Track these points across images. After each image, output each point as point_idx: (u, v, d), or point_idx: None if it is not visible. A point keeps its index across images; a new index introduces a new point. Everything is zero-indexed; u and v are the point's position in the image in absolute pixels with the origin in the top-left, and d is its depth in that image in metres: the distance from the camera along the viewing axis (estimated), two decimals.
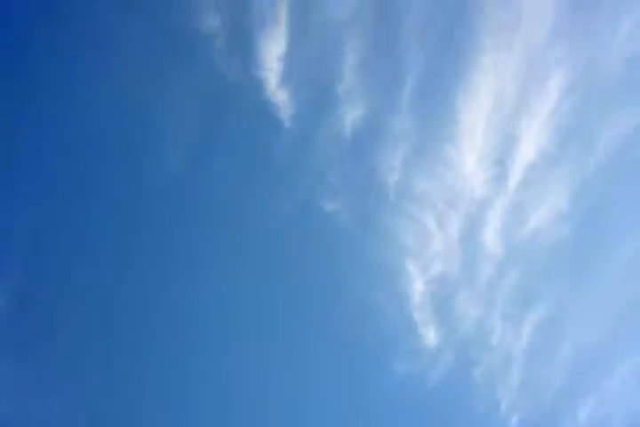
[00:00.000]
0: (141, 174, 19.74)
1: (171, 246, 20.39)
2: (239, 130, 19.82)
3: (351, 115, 19.39)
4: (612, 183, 20.20)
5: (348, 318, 21.55)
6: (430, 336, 21.00)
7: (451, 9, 18.58)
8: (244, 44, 18.63)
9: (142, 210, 19.94)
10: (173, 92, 19.00)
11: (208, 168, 20.09)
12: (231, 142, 19.95)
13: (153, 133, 19.27)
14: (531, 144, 19.48)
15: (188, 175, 19.97)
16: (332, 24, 18.71)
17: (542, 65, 18.92)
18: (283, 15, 18.30)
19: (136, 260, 20.36)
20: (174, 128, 19.25)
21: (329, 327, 21.52)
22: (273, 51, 18.60)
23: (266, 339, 20.78)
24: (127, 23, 18.56)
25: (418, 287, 20.72)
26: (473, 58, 18.78)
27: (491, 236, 20.39)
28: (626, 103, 19.29)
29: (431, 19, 18.65)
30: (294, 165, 20.32)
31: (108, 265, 20.08)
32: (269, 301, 20.95)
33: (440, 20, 18.69)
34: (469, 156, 19.51)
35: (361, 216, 20.78)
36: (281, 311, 21.04)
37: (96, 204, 19.71)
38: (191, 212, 20.27)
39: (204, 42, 18.57)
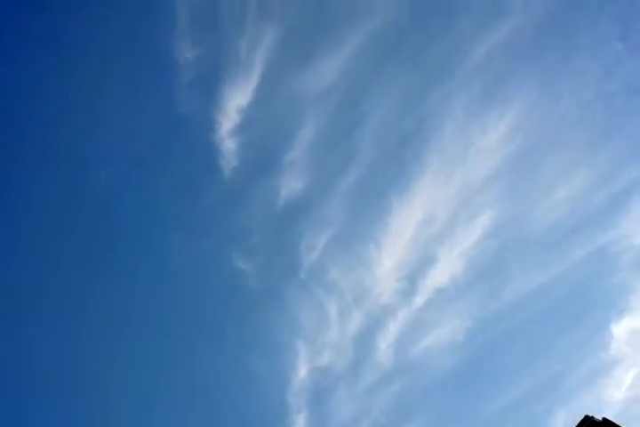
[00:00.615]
0: (68, 183, 20.71)
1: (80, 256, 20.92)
2: (179, 166, 21.24)
3: (289, 186, 21.18)
4: (507, 329, 21.61)
5: (223, 385, 22.09)
6: (299, 424, 21.50)
7: (412, 122, 20.86)
8: (210, 84, 20.40)
9: (61, 214, 20.66)
10: (125, 112, 20.44)
11: (135, 192, 21.28)
12: (167, 175, 21.32)
13: (90, 146, 20.47)
14: (445, 270, 21.22)
15: (114, 193, 21.05)
16: (302, 95, 20.75)
17: (476, 200, 21.04)
18: (258, 69, 20.23)
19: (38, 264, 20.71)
20: (114, 146, 20.56)
21: (201, 391, 21.89)
22: (236, 100, 20.43)
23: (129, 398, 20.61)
24: (105, 37, 19.87)
25: (301, 372, 21.61)
26: (416, 172, 20.94)
27: (385, 343, 21.60)
28: (539, 260, 21.14)
29: (392, 124, 20.88)
30: (221, 215, 21.72)
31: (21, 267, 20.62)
32: (146, 346, 21.36)
33: (399, 128, 20.93)
34: (387, 261, 21.24)
35: (268, 284, 22.04)
36: (153, 360, 21.33)
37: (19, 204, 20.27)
38: (107, 228, 21.15)
39: (173, 70, 20.28)
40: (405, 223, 20.88)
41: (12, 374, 20.03)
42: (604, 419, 7.66)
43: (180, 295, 22.03)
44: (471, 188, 21.00)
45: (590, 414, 7.94)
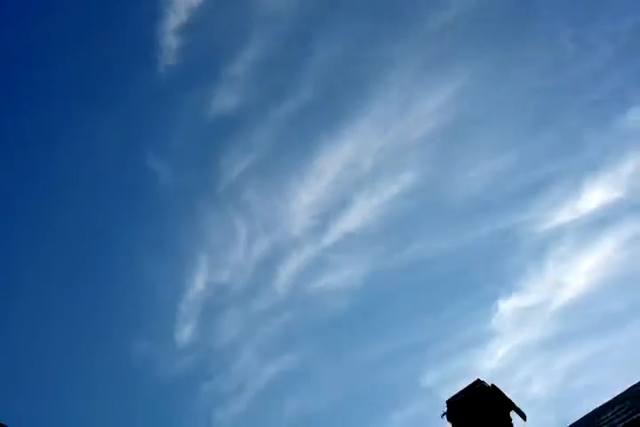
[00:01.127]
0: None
1: None
2: (113, 49, 20.25)
3: (223, 99, 20.69)
4: (402, 285, 22.44)
5: (118, 284, 22.16)
6: (185, 333, 21.91)
7: (359, 68, 20.76)
8: None
9: None
10: None
11: (62, 66, 20.25)
12: (99, 55, 20.30)
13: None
14: (358, 217, 21.68)
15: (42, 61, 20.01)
16: (256, 14, 20.12)
17: (403, 158, 21.46)
18: None
19: None
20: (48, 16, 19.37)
21: (89, 288, 21.79)
22: None
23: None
24: None
25: (198, 284, 21.89)
26: (352, 117, 21.05)
27: (285, 274, 22.08)
28: (447, 228, 21.82)
29: (339, 65, 20.66)
30: (146, 109, 21.00)
31: None
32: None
33: (345, 71, 20.77)
34: (304, 196, 21.49)
35: (180, 191, 21.83)
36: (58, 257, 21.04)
37: None
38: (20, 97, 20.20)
39: None
40: (330, 164, 21.08)
41: None
42: (493, 386, 8.30)
43: (82, 185, 21.39)
44: (401, 145, 21.28)
45: (482, 379, 8.60)
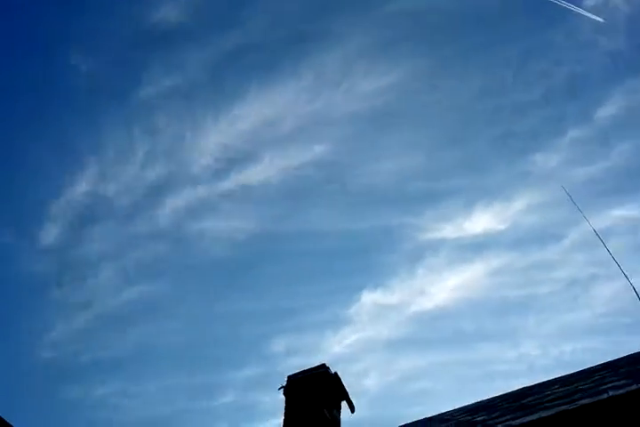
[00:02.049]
0: None
1: None
2: None
3: (169, 9, 19.67)
4: (283, 251, 22.42)
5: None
6: (50, 233, 21.04)
7: (309, 27, 20.60)
8: None
9: None
10: None
11: None
12: None
13: None
14: (262, 174, 21.55)
15: None
16: None
17: (322, 130, 21.53)
18: None
19: None
20: None
21: None
22: None
23: None
24: None
25: (78, 190, 20.91)
26: (288, 75, 20.86)
27: (171, 206, 21.61)
28: (340, 210, 22.12)
29: (291, 17, 20.44)
30: (85, 5, 19.92)
31: None
32: None
33: (295, 25, 20.52)
34: (215, 136, 21.01)
35: (93, 92, 20.93)
36: None
37: None
38: None
39: None
40: (251, 113, 20.84)
41: None
42: (336, 373, 8.69)
43: None
44: (325, 117, 21.23)
45: (327, 364, 8.98)
